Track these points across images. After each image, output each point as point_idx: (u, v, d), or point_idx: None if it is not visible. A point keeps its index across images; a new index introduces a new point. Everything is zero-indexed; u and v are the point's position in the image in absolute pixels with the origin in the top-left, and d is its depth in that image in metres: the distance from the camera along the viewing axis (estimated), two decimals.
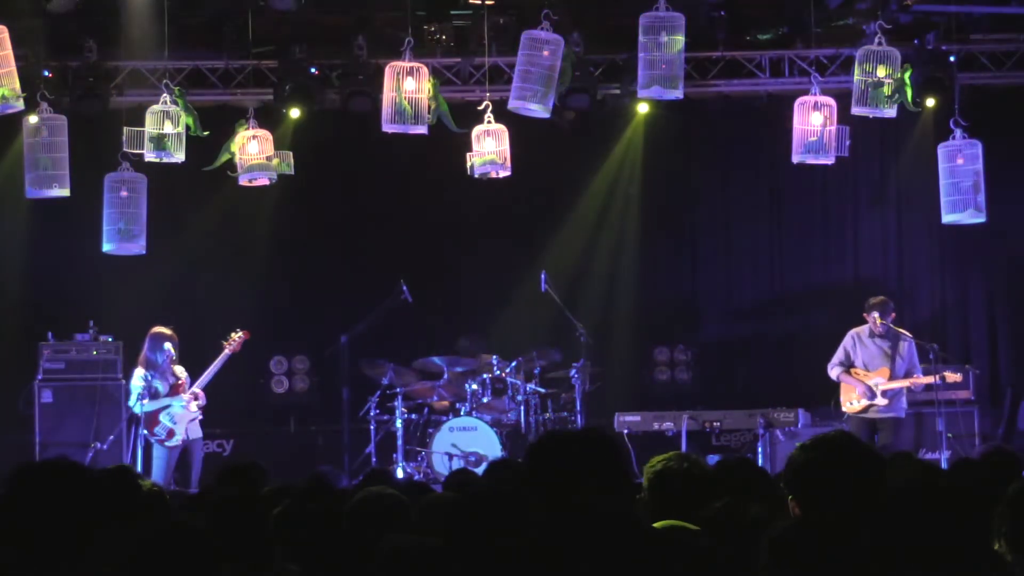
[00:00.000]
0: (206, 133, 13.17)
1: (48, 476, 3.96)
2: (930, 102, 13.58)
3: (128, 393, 12.66)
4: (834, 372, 12.69)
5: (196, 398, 12.44)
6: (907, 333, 12.68)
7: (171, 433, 12.27)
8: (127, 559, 3.76)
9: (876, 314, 12.50)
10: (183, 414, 12.34)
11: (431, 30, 14.07)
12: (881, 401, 12.44)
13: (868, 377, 12.53)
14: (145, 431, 12.36)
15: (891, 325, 12.54)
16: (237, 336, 12.75)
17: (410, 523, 4.81)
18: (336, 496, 5.69)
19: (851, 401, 12.58)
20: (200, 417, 12.52)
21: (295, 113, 14.07)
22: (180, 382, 12.45)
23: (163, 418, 12.26)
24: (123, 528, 3.95)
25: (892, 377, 12.48)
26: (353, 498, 4.93)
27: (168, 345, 12.35)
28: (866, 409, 12.51)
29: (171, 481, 12.11)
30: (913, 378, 12.51)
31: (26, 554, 3.80)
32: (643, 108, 14.42)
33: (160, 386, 12.32)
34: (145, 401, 12.28)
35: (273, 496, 5.55)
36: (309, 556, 4.91)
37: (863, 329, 12.65)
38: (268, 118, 13.63)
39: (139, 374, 12.42)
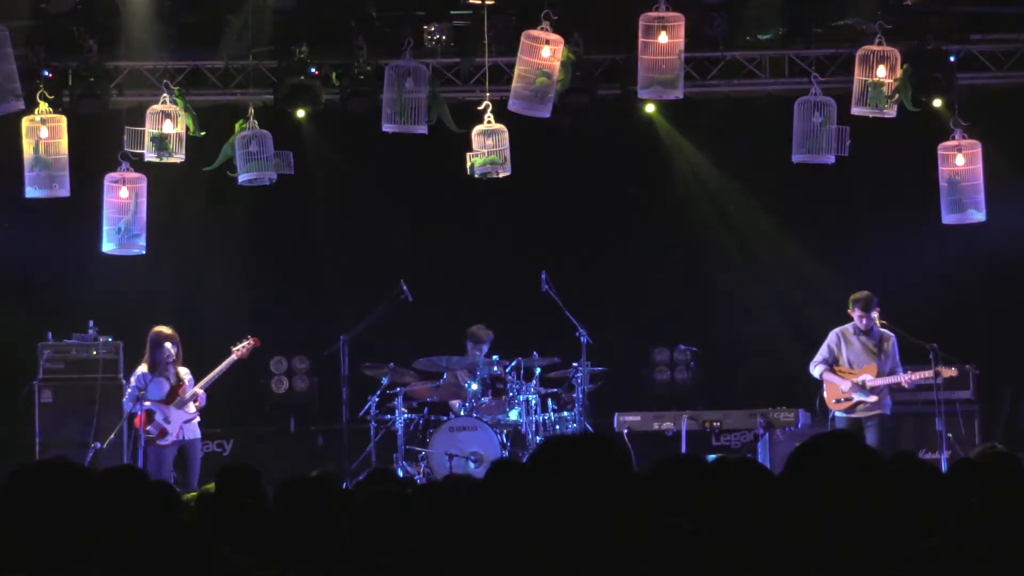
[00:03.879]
0: (203, 133, 13.17)
1: (47, 477, 3.96)
2: (932, 102, 13.58)
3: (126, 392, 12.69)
4: (817, 370, 12.66)
5: (195, 398, 12.45)
6: (890, 331, 12.67)
7: (163, 432, 12.26)
8: (128, 559, 3.77)
9: (859, 311, 12.50)
10: (178, 414, 12.33)
11: (431, 30, 14.08)
12: (869, 398, 12.43)
13: (855, 375, 12.52)
14: (138, 429, 12.37)
15: (876, 322, 12.53)
16: (247, 343, 12.74)
17: (413, 524, 4.81)
18: (338, 496, 5.69)
19: (837, 398, 12.56)
20: (197, 418, 12.51)
21: (295, 113, 14.08)
22: (182, 384, 12.44)
23: (156, 417, 12.26)
24: (126, 529, 3.96)
25: (879, 374, 12.48)
26: (357, 498, 4.93)
27: (169, 345, 12.36)
28: (853, 407, 12.49)
29: (169, 481, 12.12)
30: (907, 375, 12.49)
31: (27, 555, 3.80)
32: (644, 108, 14.42)
33: (155, 387, 12.31)
34: (144, 400, 12.29)
35: (274, 496, 5.56)
36: (310, 557, 4.91)
37: (848, 327, 12.65)
38: (268, 118, 13.63)
39: (138, 372, 12.47)
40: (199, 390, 12.43)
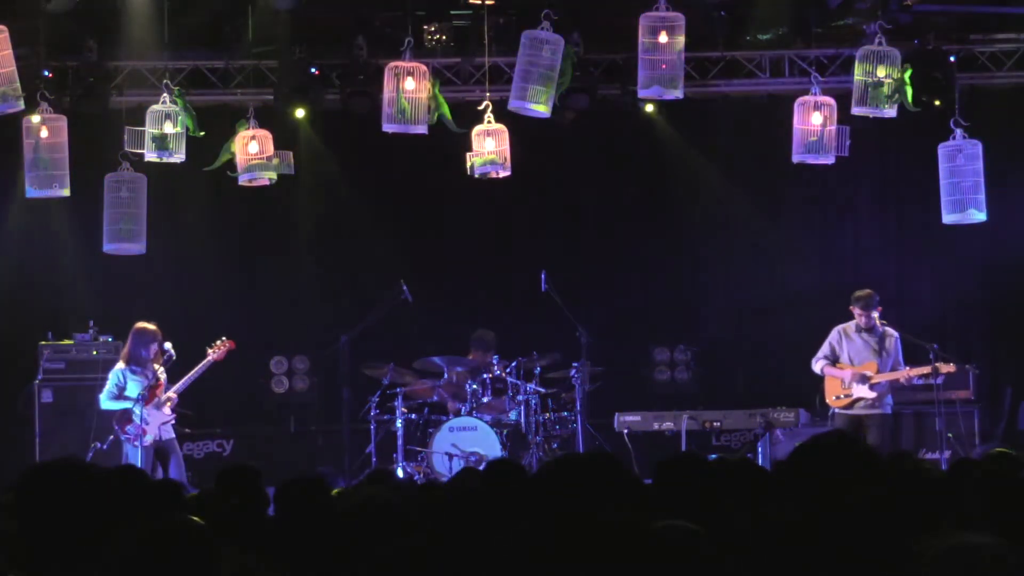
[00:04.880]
0: (202, 133, 13.18)
1: (58, 476, 3.97)
2: (932, 102, 13.57)
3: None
4: (818, 365, 12.63)
5: (170, 401, 12.23)
6: (893, 329, 12.65)
7: (143, 432, 12.07)
8: (129, 558, 3.77)
9: (859, 309, 12.49)
10: (156, 415, 12.16)
11: (431, 30, 14.08)
12: (868, 394, 12.40)
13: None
14: (116, 428, 12.22)
15: (877, 320, 12.52)
16: (222, 344, 12.58)
17: (410, 525, 4.80)
18: (334, 497, 5.70)
19: (837, 395, 12.55)
20: (173, 420, 12.32)
21: (295, 113, 14.08)
22: (160, 383, 12.23)
23: (135, 417, 12.07)
24: (130, 527, 3.96)
25: (879, 372, 12.46)
26: (351, 500, 4.93)
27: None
28: (852, 404, 12.46)
29: None
30: (905, 371, 12.48)
31: (35, 555, 3.81)
32: (644, 108, 14.42)
33: (134, 385, 12.14)
34: (127, 400, 12.18)
35: (273, 496, 5.56)
36: (310, 557, 4.91)
37: (849, 324, 12.63)
38: (268, 118, 13.63)
39: (117, 369, 12.25)
40: (172, 394, 12.23)
